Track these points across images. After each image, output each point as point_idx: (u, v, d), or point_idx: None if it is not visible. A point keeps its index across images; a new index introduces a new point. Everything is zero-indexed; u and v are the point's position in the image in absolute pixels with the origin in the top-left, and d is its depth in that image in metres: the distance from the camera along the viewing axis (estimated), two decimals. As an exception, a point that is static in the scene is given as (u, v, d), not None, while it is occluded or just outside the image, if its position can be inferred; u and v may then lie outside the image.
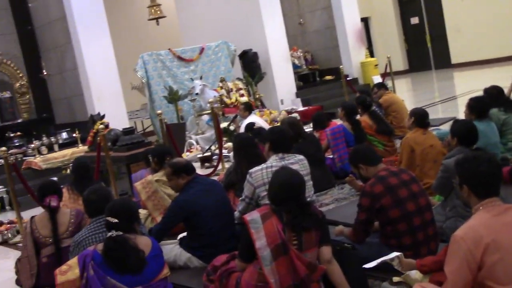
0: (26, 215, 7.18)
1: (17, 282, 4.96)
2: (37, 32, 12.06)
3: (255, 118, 9.20)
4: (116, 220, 3.45)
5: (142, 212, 5.54)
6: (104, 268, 3.31)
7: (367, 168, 3.98)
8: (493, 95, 6.14)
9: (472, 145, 4.41)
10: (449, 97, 12.87)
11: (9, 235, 6.95)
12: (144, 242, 3.49)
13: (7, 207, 8.81)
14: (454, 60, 18.94)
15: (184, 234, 4.71)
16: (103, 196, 4.08)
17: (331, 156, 6.80)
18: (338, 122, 7.21)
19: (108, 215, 3.49)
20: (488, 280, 2.66)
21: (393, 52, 18.71)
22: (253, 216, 3.44)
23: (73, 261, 3.43)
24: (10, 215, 8.18)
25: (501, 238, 2.68)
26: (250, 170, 4.58)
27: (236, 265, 3.61)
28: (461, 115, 6.19)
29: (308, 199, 4.44)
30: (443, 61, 19.35)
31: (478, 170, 2.83)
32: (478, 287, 2.70)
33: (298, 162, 4.64)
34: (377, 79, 14.01)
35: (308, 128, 8.88)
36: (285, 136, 4.74)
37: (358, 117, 7.17)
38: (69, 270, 3.36)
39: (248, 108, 9.46)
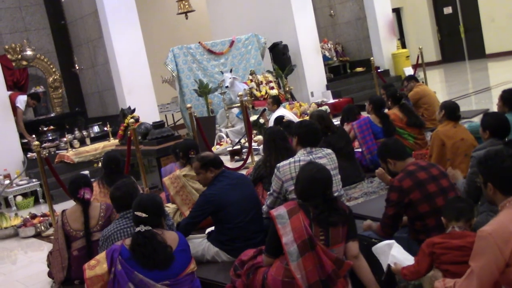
0: (59, 208, 7.30)
1: (49, 274, 5.05)
2: (69, 27, 12.21)
3: (283, 111, 9.17)
4: (145, 215, 3.48)
5: (171, 206, 5.58)
6: (132, 263, 3.35)
7: (395, 163, 3.95)
8: None
9: (505, 137, 4.33)
10: (483, 88, 12.64)
11: (42, 227, 7.08)
12: (171, 237, 3.52)
13: (41, 200, 8.98)
14: (488, 50, 18.63)
15: (212, 228, 4.73)
16: (127, 192, 4.12)
17: (359, 150, 6.75)
18: (365, 115, 7.16)
19: (137, 210, 3.52)
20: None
21: (426, 43, 18.50)
22: (280, 211, 3.43)
23: (102, 255, 3.47)
24: (43, 208, 8.33)
25: None
26: (278, 164, 4.57)
27: (263, 260, 3.61)
28: (495, 107, 6.08)
29: (336, 193, 4.43)
30: (477, 52, 19.04)
31: (502, 166, 2.80)
32: (504, 284, 2.66)
33: (326, 156, 4.61)
34: (409, 70, 13.85)
35: (337, 122, 8.82)
36: (313, 130, 4.70)
37: (387, 110, 7.10)
38: (98, 265, 3.40)
39: (276, 102, 9.43)
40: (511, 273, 2.63)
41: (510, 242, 2.63)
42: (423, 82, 10.70)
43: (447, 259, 3.15)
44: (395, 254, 3.56)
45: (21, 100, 10.31)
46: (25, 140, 10.01)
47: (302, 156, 4.56)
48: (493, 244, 2.64)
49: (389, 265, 3.50)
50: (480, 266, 2.67)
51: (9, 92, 10.30)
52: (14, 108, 10.04)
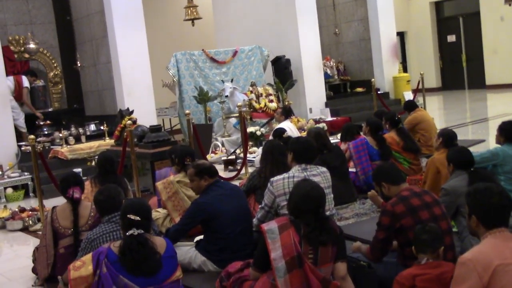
0: (49, 203, 7.28)
1: (33, 270, 5.01)
2: (74, 24, 12.21)
3: (288, 125, 9.13)
4: (138, 218, 3.45)
5: (162, 211, 5.56)
6: (117, 267, 3.33)
7: (390, 187, 3.95)
8: None
9: (469, 168, 4.43)
10: (480, 118, 12.70)
11: (30, 222, 7.02)
12: (159, 243, 3.50)
13: (31, 194, 8.94)
14: (489, 81, 18.73)
15: (201, 237, 4.72)
16: (109, 196, 4.11)
17: (354, 170, 6.75)
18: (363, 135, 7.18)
19: (129, 212, 3.48)
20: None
21: (427, 69, 18.60)
22: (271, 226, 3.42)
23: (87, 257, 3.44)
24: (33, 202, 8.29)
25: (510, 263, 2.70)
26: (272, 179, 4.56)
27: (250, 274, 3.60)
28: (491, 138, 6.11)
29: (328, 212, 4.42)
30: (477, 82, 19.15)
31: (490, 202, 2.87)
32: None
33: (320, 174, 4.61)
34: (409, 95, 13.89)
35: (334, 140, 8.83)
36: (309, 147, 4.71)
37: (385, 133, 7.11)
38: (83, 266, 3.37)
39: (285, 113, 9.41)
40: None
41: (489, 269, 2.68)
42: (422, 107, 10.73)
43: None
44: None
45: (25, 80, 10.76)
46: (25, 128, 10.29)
47: (296, 172, 4.55)
48: (473, 270, 2.70)
49: None
50: None
51: (11, 77, 10.59)
52: (21, 90, 10.55)
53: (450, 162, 4.57)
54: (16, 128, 10.34)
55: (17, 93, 10.56)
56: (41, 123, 10.74)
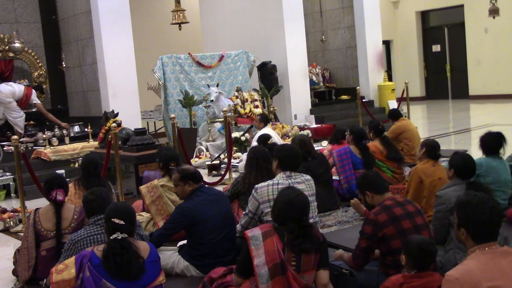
0: (31, 204, 7.23)
1: (14, 272, 4.97)
2: (60, 24, 12.14)
3: (269, 131, 9.16)
4: (122, 222, 3.44)
5: (145, 215, 5.55)
6: (100, 271, 3.32)
7: (373, 196, 3.98)
8: None
9: (469, 178, 4.42)
10: (463, 129, 12.82)
11: (11, 223, 6.96)
12: (142, 247, 3.50)
13: (12, 195, 8.86)
14: (472, 91, 18.92)
15: (184, 242, 4.72)
16: (100, 196, 4.09)
17: (337, 178, 6.79)
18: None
19: (113, 216, 3.46)
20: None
21: (412, 78, 18.74)
22: (255, 232, 3.44)
23: (70, 260, 3.43)
24: (14, 203, 8.22)
25: (498, 285, 2.66)
26: (256, 185, 4.58)
27: (233, 280, 3.61)
28: (474, 148, 6.15)
29: (311, 220, 4.44)
30: (461, 92, 19.33)
31: (480, 218, 2.80)
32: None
33: (304, 182, 4.63)
34: (393, 103, 13.99)
35: (318, 147, 8.87)
36: (294, 155, 4.73)
37: (369, 141, 7.15)
38: (65, 270, 3.36)
39: (264, 120, 9.43)
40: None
41: None
42: (405, 116, 10.82)
43: None
44: None
45: (35, 95, 10.76)
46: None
47: (281, 179, 4.57)
48: None
49: None
50: None
51: (22, 87, 10.63)
52: (26, 102, 10.58)
53: (452, 167, 4.50)
54: (8, 128, 10.35)
55: (21, 103, 10.51)
56: (25, 123, 10.66)
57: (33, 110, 11.34)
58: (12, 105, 10.25)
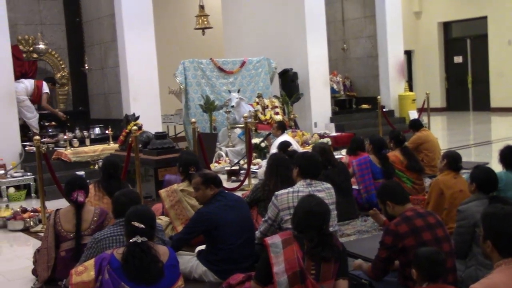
0: (50, 205, 7.29)
1: (33, 272, 5.00)
2: (84, 26, 12.26)
3: (287, 138, 9.16)
4: (142, 226, 3.45)
5: (164, 219, 5.56)
6: (119, 274, 3.32)
7: (394, 206, 3.95)
8: None
9: (491, 192, 4.35)
10: (484, 141, 12.70)
11: (31, 223, 7.02)
12: (162, 251, 3.50)
13: (33, 195, 8.94)
14: (494, 104, 18.75)
15: (203, 246, 4.72)
16: (133, 200, 4.08)
17: (356, 187, 6.76)
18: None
19: (133, 220, 3.47)
20: None
21: (433, 89, 18.60)
22: (275, 240, 3.43)
23: (90, 262, 3.44)
24: (34, 203, 8.30)
25: None
26: (276, 192, 4.57)
27: (251, 287, 3.60)
28: (494, 161, 6.08)
29: (331, 228, 4.42)
30: (482, 104, 19.16)
31: (507, 230, 2.77)
32: None
33: (325, 190, 4.61)
34: (413, 114, 13.91)
35: (337, 155, 8.84)
36: (315, 163, 4.72)
37: (389, 151, 7.11)
38: (85, 272, 3.37)
39: (281, 127, 9.44)
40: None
41: None
42: (426, 127, 10.75)
43: None
44: None
45: (46, 85, 10.86)
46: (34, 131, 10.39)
47: (301, 187, 4.56)
48: None
49: None
50: None
51: (32, 80, 10.78)
52: (39, 94, 10.64)
53: (473, 181, 4.41)
54: (29, 128, 10.45)
55: (35, 97, 10.64)
56: (46, 123, 10.78)
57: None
58: (25, 103, 10.37)
